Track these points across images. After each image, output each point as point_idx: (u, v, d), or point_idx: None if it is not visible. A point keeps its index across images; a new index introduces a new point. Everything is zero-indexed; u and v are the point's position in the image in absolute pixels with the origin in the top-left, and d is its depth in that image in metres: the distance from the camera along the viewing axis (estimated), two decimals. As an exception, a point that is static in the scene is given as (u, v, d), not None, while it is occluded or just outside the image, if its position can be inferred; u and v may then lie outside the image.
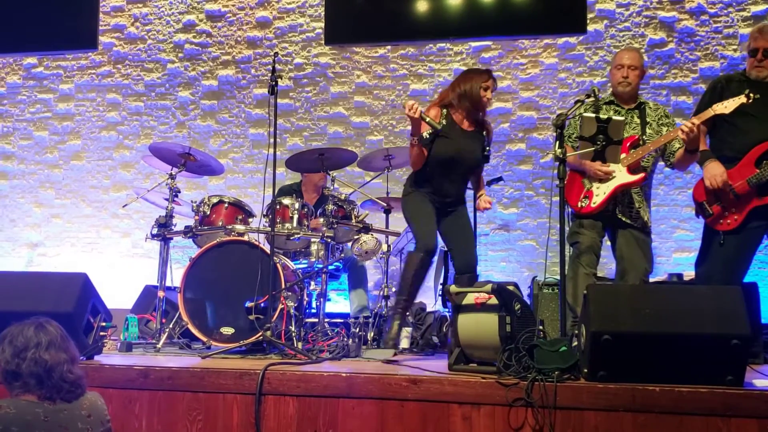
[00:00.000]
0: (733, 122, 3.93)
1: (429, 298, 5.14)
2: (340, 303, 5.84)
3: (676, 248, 6.01)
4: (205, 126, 6.89)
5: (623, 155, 3.90)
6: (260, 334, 3.77)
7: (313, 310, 4.58)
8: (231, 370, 3.13)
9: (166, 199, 4.65)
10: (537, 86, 6.38)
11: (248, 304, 3.99)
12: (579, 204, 4.04)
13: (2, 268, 6.77)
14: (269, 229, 4.20)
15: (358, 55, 6.69)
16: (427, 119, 3.97)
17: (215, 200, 4.55)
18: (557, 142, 3.44)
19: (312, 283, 4.49)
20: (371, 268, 5.72)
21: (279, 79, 4.06)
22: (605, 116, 3.68)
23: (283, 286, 4.05)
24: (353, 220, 4.56)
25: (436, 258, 4.34)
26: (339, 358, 3.76)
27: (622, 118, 3.77)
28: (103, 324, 3.59)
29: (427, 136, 4.06)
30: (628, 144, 3.93)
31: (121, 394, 3.17)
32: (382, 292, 4.97)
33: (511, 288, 3.25)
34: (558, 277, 3.44)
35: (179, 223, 4.70)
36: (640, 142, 3.98)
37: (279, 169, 4.07)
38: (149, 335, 4.69)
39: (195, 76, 6.93)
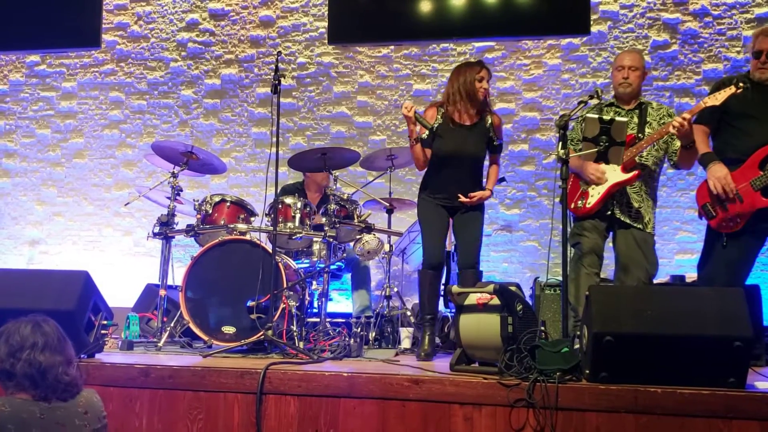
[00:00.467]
0: (737, 125, 3.93)
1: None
2: (342, 303, 5.85)
3: (679, 250, 6.00)
4: (208, 125, 6.89)
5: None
6: (261, 333, 3.77)
7: (315, 310, 4.58)
8: (232, 369, 3.12)
9: (168, 198, 4.65)
10: (540, 87, 6.38)
11: (250, 304, 3.98)
12: (575, 205, 4.03)
13: (4, 265, 6.79)
14: (271, 228, 4.20)
15: (361, 54, 6.69)
16: (420, 119, 4.01)
17: (217, 199, 4.55)
18: (560, 143, 3.43)
19: (314, 282, 4.49)
20: (373, 268, 5.72)
21: (282, 79, 4.06)
22: (608, 117, 3.67)
23: (284, 286, 4.04)
24: (356, 220, 4.56)
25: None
26: (340, 357, 3.76)
27: (626, 119, 3.76)
28: (105, 322, 3.59)
29: (425, 137, 4.08)
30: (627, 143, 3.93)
31: (122, 393, 3.17)
32: (384, 292, 4.97)
33: (513, 289, 3.25)
34: (560, 278, 3.44)
35: (181, 221, 4.69)
36: (636, 141, 3.97)
37: (281, 168, 4.06)
38: (150, 334, 4.69)
39: (198, 75, 6.94)
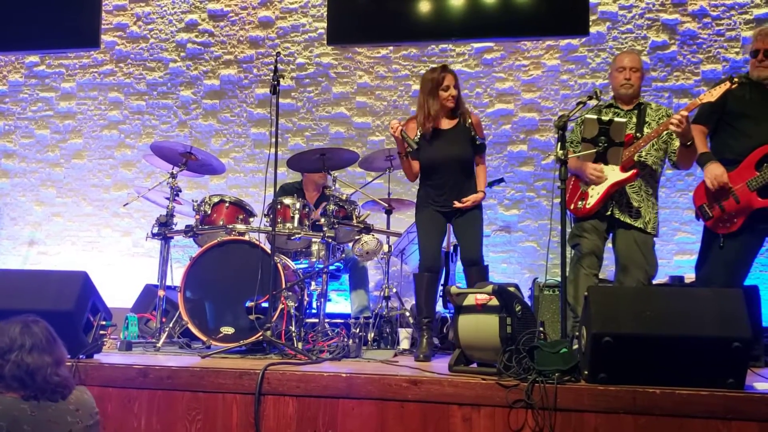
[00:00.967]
0: (734, 125, 3.93)
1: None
2: (340, 303, 5.84)
3: (677, 251, 6.00)
4: (207, 125, 6.89)
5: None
6: (260, 334, 3.77)
7: (314, 311, 4.58)
8: (231, 369, 3.12)
9: (167, 198, 4.65)
10: (539, 88, 6.38)
11: (248, 304, 3.98)
12: (575, 206, 4.04)
13: (3, 266, 6.79)
14: (270, 228, 4.20)
15: (360, 55, 6.69)
16: (407, 138, 4.07)
17: (216, 199, 4.55)
18: (559, 144, 3.43)
19: (312, 283, 4.49)
20: (372, 269, 5.72)
21: (281, 79, 4.07)
22: (607, 118, 3.68)
23: (283, 286, 4.04)
24: (354, 221, 4.56)
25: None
26: (339, 358, 3.76)
27: (625, 120, 3.76)
28: (103, 323, 3.59)
29: (411, 150, 4.13)
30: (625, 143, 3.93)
31: (121, 393, 3.17)
32: (383, 293, 4.97)
33: (511, 289, 3.25)
34: (559, 279, 3.44)
35: (180, 222, 4.69)
36: (634, 141, 3.97)
37: (280, 168, 4.06)
38: (149, 334, 4.68)
39: (197, 76, 6.94)
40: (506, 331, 3.04)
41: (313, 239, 4.52)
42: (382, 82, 6.63)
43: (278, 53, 4.37)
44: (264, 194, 4.19)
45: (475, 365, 3.24)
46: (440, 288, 4.97)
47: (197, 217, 4.52)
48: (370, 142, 6.57)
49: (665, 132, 3.88)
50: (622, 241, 3.98)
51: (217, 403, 3.08)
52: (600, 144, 3.54)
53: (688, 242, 5.93)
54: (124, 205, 5.73)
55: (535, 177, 6.35)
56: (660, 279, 5.17)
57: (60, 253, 6.94)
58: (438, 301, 5.09)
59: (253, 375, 3.05)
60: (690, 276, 4.89)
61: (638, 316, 2.88)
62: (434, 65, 4.45)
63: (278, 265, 4.05)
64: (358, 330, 4.51)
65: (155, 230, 4.54)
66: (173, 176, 4.67)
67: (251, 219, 4.61)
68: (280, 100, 4.14)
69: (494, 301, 3.13)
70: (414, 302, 5.59)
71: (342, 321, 4.82)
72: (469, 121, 4.17)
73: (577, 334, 3.19)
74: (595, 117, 3.58)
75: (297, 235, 4.40)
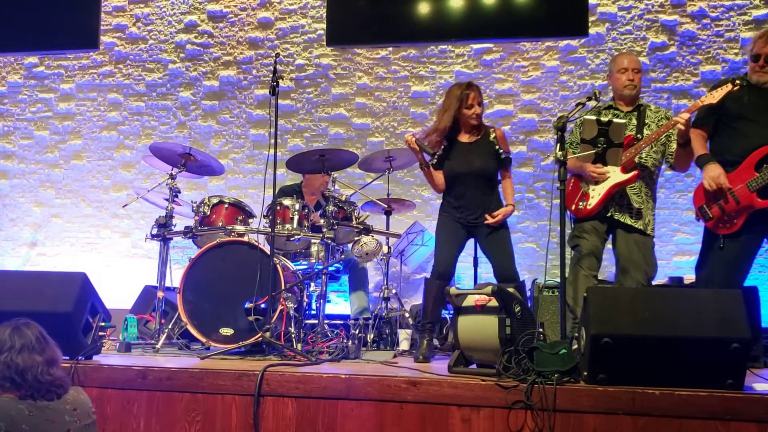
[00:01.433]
0: (734, 126, 3.93)
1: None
2: (340, 304, 5.84)
3: (677, 251, 6.00)
4: (206, 126, 6.89)
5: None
6: (259, 335, 3.77)
7: (313, 312, 4.57)
8: (230, 371, 3.12)
9: (166, 200, 4.64)
10: (538, 89, 6.38)
11: (248, 305, 3.98)
12: (576, 207, 4.04)
13: (2, 267, 6.79)
14: (269, 229, 4.19)
15: (359, 56, 6.69)
16: (422, 146, 4.08)
17: (215, 201, 4.54)
18: (558, 145, 3.43)
19: (312, 284, 4.49)
20: (371, 270, 5.71)
21: (280, 80, 4.07)
22: (606, 119, 3.68)
23: (282, 287, 4.04)
24: (354, 222, 4.55)
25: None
26: (338, 359, 3.76)
27: (624, 121, 3.76)
28: (102, 324, 3.59)
29: (430, 157, 4.15)
30: (625, 145, 3.93)
31: (120, 395, 3.17)
32: (382, 294, 4.97)
33: (511, 290, 3.25)
34: (558, 280, 3.44)
35: (179, 223, 4.69)
36: (635, 142, 3.98)
37: (280, 170, 4.07)
38: (148, 335, 4.68)
39: (196, 77, 6.94)
40: (505, 332, 3.04)
41: (313, 240, 4.52)
42: (382, 83, 6.63)
43: (277, 54, 4.37)
44: (263, 195, 4.19)
45: (474, 366, 3.24)
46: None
47: (196, 218, 4.52)
48: (370, 143, 6.57)
49: (665, 134, 3.90)
50: (622, 242, 3.99)
51: (216, 404, 3.08)
52: (599, 145, 3.54)
53: (687, 243, 5.94)
54: (124, 207, 5.73)
55: (535, 178, 6.35)
56: (659, 280, 5.17)
57: (59, 254, 6.93)
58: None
59: (253, 376, 3.05)
60: (689, 277, 4.89)
61: (637, 317, 2.88)
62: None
63: (277, 266, 4.04)
64: (357, 331, 4.51)
65: (154, 231, 4.53)
66: (172, 177, 4.67)
67: (250, 220, 4.61)
68: (280, 101, 4.14)
69: (493, 302, 3.13)
70: (414, 303, 5.59)
71: (341, 322, 4.82)
72: (494, 135, 4.19)
73: (576, 335, 3.19)
74: (594, 118, 3.58)
75: (296, 236, 4.39)
